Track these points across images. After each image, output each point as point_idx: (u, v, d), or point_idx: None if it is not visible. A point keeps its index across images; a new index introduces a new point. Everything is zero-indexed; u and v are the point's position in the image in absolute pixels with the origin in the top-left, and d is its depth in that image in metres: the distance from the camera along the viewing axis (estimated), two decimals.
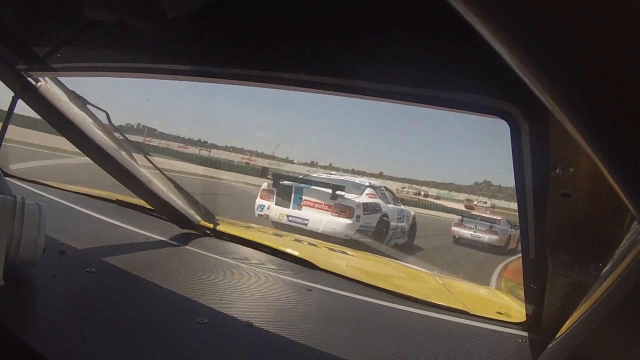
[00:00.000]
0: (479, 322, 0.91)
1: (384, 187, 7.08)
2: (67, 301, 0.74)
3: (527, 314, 0.81)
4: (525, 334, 0.84)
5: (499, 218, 10.16)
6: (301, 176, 7.14)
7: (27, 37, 0.94)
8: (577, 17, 0.18)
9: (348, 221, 5.20)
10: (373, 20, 0.59)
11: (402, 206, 7.19)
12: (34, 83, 1.05)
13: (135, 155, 1.27)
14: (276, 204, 5.39)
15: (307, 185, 5.58)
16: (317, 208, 5.31)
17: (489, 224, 9.33)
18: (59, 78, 1.09)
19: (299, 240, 1.67)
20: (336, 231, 5.08)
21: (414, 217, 7.23)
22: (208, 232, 1.43)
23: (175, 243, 1.26)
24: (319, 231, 4.99)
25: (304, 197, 5.39)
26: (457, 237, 9.32)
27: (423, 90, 0.59)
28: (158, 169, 1.36)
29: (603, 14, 0.18)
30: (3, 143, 1.14)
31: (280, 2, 0.63)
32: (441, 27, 0.51)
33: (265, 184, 5.68)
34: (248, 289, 1.00)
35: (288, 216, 5.31)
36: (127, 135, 1.29)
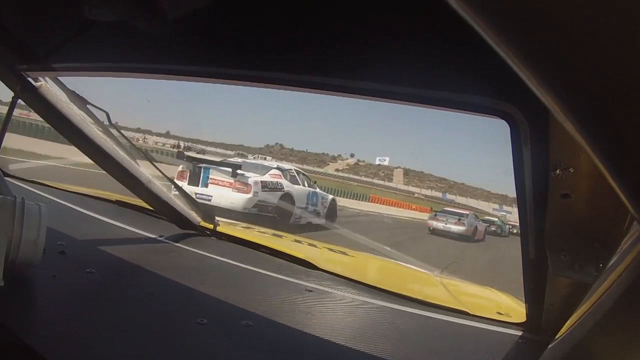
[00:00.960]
0: (479, 322, 0.91)
1: (297, 170, 7.73)
2: (67, 301, 0.74)
3: (527, 315, 0.81)
4: (525, 334, 0.84)
5: (467, 212, 12.63)
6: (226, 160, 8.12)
7: (27, 37, 0.94)
8: (577, 17, 0.18)
9: (246, 196, 5.91)
10: (372, 21, 0.59)
11: (317, 190, 7.88)
12: (34, 83, 1.05)
13: (134, 155, 1.27)
14: (188, 183, 5.86)
15: (215, 167, 6.23)
16: (220, 185, 6.03)
17: (458, 217, 11.62)
18: (59, 78, 1.09)
19: (299, 241, 1.67)
20: (235, 205, 5.79)
21: (332, 200, 8.35)
22: (208, 232, 1.43)
23: (175, 243, 1.26)
24: (221, 205, 5.55)
25: (210, 176, 6.05)
26: (432, 228, 11.49)
27: (423, 91, 0.59)
28: (159, 170, 1.36)
29: (603, 14, 0.18)
30: (3, 143, 1.14)
31: (279, 3, 0.63)
32: (441, 27, 0.51)
33: (180, 166, 6.17)
34: (247, 290, 1.00)
35: (196, 194, 5.61)
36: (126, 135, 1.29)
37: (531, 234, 0.62)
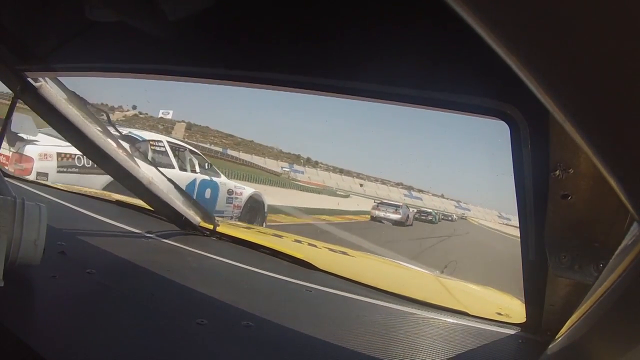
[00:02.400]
0: (478, 322, 0.91)
1: (173, 143, 4.97)
2: (67, 302, 0.74)
3: (527, 315, 0.81)
4: (525, 334, 0.84)
5: (401, 204, 17.64)
6: None
7: (27, 37, 0.94)
8: (577, 17, 0.18)
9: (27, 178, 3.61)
10: (372, 22, 0.59)
11: (221, 178, 5.39)
12: (34, 83, 1.05)
13: (134, 156, 1.27)
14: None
15: None
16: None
17: (395, 207, 15.91)
18: (59, 78, 1.09)
19: (299, 241, 1.67)
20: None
21: (254, 194, 5.79)
22: (207, 233, 1.43)
23: (175, 244, 1.26)
24: None
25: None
26: (374, 216, 15.17)
27: (422, 92, 0.59)
28: (158, 170, 1.37)
29: (602, 14, 0.18)
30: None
31: (280, 4, 0.63)
32: (440, 28, 0.51)
33: None
34: (247, 290, 1.00)
35: None
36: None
37: (531, 235, 0.62)
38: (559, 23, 0.19)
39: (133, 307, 0.76)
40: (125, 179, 1.28)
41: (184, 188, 3.44)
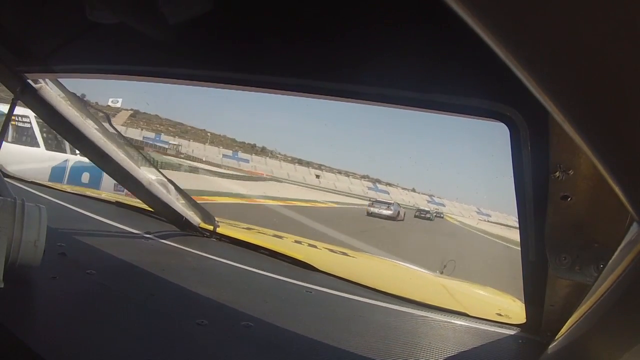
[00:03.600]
0: (478, 323, 0.91)
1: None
2: (67, 303, 0.73)
3: (527, 316, 0.81)
4: (525, 335, 0.84)
5: (393, 202, 20.98)
6: None
7: (27, 38, 0.94)
8: (577, 20, 0.19)
9: None
10: (372, 25, 0.59)
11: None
12: (33, 85, 1.05)
13: (135, 156, 1.27)
14: None
15: None
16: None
17: (387, 205, 19.30)
18: (59, 80, 1.09)
19: (299, 242, 1.67)
20: None
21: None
22: (207, 234, 1.43)
23: (175, 245, 1.26)
24: None
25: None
26: (370, 212, 18.20)
27: (423, 94, 0.59)
28: (158, 170, 1.37)
29: (602, 16, 0.18)
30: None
31: (280, 7, 0.64)
32: (440, 31, 0.51)
33: None
34: (247, 291, 1.00)
35: None
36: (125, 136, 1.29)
37: (531, 236, 0.62)
38: (559, 25, 0.19)
39: (133, 308, 0.76)
40: (125, 180, 1.28)
41: (47, 171, 2.90)
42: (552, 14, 0.19)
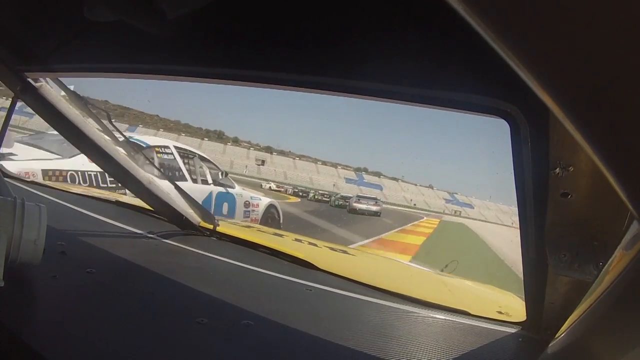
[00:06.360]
0: (479, 321, 0.91)
1: (182, 149, 4.20)
2: (67, 302, 0.74)
3: (527, 313, 0.81)
4: (526, 333, 0.84)
5: (378, 198, 21.98)
6: None
7: (27, 37, 0.94)
8: (577, 16, 0.18)
9: None
10: (372, 20, 0.59)
11: (237, 189, 4.75)
12: (34, 84, 1.05)
13: (135, 155, 1.27)
14: None
15: None
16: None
17: (374, 201, 19.57)
18: (59, 78, 1.09)
19: (299, 240, 1.67)
20: None
21: (270, 204, 5.22)
22: (207, 232, 1.43)
23: (175, 244, 1.26)
24: None
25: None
26: (357, 208, 17.71)
27: (423, 90, 0.59)
28: (158, 169, 1.37)
29: (603, 14, 0.18)
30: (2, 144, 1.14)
31: (280, 2, 0.63)
32: (441, 27, 0.51)
33: None
34: (247, 290, 1.00)
35: None
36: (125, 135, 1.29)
37: (531, 233, 0.62)
38: (559, 22, 0.19)
39: (133, 307, 0.76)
40: (125, 179, 1.28)
41: (206, 204, 3.15)
42: (553, 11, 0.19)
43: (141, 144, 3.67)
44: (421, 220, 20.29)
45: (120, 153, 1.23)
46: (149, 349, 0.62)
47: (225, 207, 4.27)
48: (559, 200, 0.53)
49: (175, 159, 3.94)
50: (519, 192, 0.58)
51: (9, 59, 0.99)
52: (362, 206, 17.98)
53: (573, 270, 0.59)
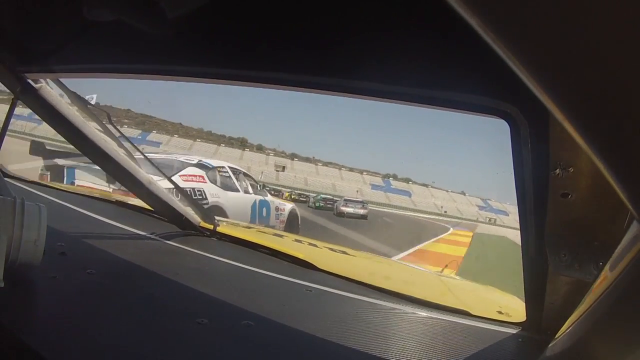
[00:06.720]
0: (479, 322, 0.91)
1: (233, 168, 5.22)
2: (67, 302, 0.74)
3: (527, 314, 0.81)
4: (526, 333, 0.84)
5: (365, 201, 21.11)
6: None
7: (27, 38, 0.94)
8: (576, 17, 0.19)
9: None
10: (372, 20, 0.59)
11: (269, 197, 5.68)
12: (33, 85, 1.05)
13: (135, 155, 1.27)
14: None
15: (84, 165, 4.03)
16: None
17: (361, 204, 19.05)
18: (59, 79, 1.09)
19: (299, 241, 1.67)
20: None
21: (292, 209, 6.15)
22: (207, 233, 1.43)
23: (175, 244, 1.26)
24: None
25: (76, 180, 4.07)
26: (345, 212, 17.49)
27: (423, 90, 0.59)
28: (158, 169, 1.37)
29: (602, 15, 0.18)
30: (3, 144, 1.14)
31: (281, 3, 0.63)
32: (441, 27, 0.51)
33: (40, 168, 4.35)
34: (247, 290, 1.00)
35: None
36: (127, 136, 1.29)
37: (531, 233, 0.62)
38: (559, 23, 0.19)
39: (133, 307, 0.76)
40: (125, 180, 1.28)
41: (249, 209, 4.73)
42: (553, 12, 0.19)
43: (208, 165, 4.75)
44: (447, 233, 15.59)
45: (120, 154, 1.23)
46: (149, 349, 0.62)
47: (264, 211, 5.29)
48: (559, 201, 0.53)
49: (230, 176, 5.01)
50: (519, 193, 0.58)
51: (9, 60, 0.99)
52: (349, 210, 17.76)
53: (573, 270, 0.59)
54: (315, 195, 27.58)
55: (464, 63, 0.54)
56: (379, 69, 0.60)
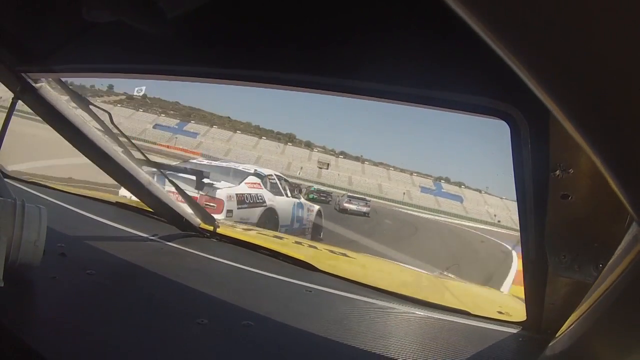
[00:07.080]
0: (479, 322, 0.91)
1: (278, 176, 5.95)
2: (67, 303, 0.74)
3: (527, 314, 0.81)
4: (526, 333, 0.84)
5: (369, 199, 20.88)
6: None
7: (27, 38, 0.94)
8: (577, 18, 0.19)
9: (216, 216, 3.82)
10: (373, 21, 0.59)
11: (302, 199, 6.33)
12: (33, 84, 1.05)
13: (135, 155, 1.27)
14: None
15: (173, 173, 4.09)
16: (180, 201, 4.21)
17: (365, 201, 18.70)
18: (60, 79, 1.09)
19: (300, 243, 1.67)
20: None
21: (319, 210, 6.77)
22: (208, 234, 1.43)
23: (175, 245, 1.26)
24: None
25: (166, 189, 4.24)
26: (348, 209, 17.20)
27: (423, 91, 0.59)
28: (161, 171, 1.36)
29: (602, 15, 0.18)
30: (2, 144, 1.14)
31: (282, 3, 0.63)
32: (441, 28, 0.51)
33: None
34: (247, 291, 1.00)
35: None
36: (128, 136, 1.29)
37: (531, 234, 0.62)
38: (560, 24, 0.19)
39: (133, 308, 0.76)
40: (125, 180, 1.28)
41: (290, 210, 5.70)
42: (553, 13, 0.19)
43: (261, 174, 5.44)
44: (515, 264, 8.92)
45: (120, 154, 1.23)
46: (149, 349, 0.62)
47: (300, 211, 6.01)
48: (559, 202, 0.53)
49: (276, 182, 5.69)
50: (519, 194, 0.58)
51: (9, 60, 0.99)
52: (352, 207, 17.41)
53: (573, 271, 0.59)
54: (308, 185, 27.38)
55: (465, 64, 0.54)
56: (380, 69, 0.60)
